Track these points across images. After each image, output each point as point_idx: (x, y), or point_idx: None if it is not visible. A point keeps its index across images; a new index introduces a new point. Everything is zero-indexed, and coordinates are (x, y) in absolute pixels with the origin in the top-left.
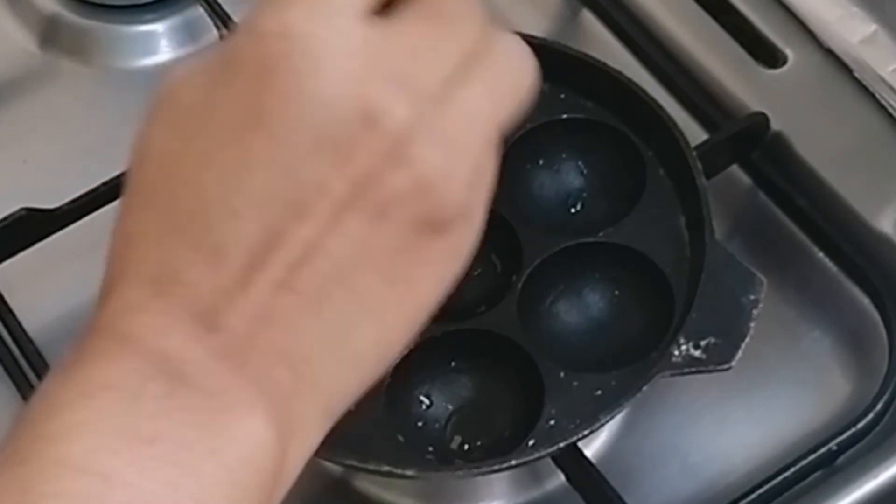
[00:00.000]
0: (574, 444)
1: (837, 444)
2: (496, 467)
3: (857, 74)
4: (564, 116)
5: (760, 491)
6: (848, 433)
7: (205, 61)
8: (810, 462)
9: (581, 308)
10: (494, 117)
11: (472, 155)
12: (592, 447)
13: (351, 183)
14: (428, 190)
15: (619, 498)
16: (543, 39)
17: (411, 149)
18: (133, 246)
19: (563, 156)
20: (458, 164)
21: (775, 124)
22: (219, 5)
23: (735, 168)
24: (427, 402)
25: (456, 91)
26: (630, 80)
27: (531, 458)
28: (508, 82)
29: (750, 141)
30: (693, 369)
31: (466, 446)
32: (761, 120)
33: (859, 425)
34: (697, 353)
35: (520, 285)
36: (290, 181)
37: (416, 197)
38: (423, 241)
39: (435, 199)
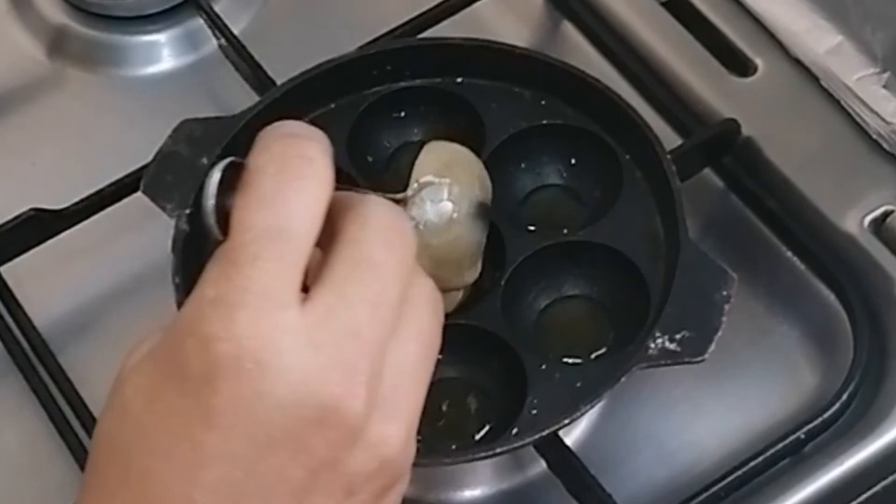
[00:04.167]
0: (555, 433)
1: (805, 433)
2: (482, 455)
3: (823, 83)
4: (545, 122)
5: (732, 477)
6: (815, 422)
7: (154, 353)
8: (779, 450)
9: (562, 303)
10: (429, 368)
11: (417, 409)
12: (573, 436)
13: (309, 470)
14: (390, 461)
15: (598, 484)
16: (526, 49)
17: (368, 431)
18: None
19: (545, 159)
20: (408, 424)
21: (746, 130)
22: (217, 16)
23: (708, 171)
24: None
25: (395, 355)
26: (608, 88)
27: (515, 446)
28: (433, 329)
29: (722, 146)
30: (668, 361)
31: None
32: (733, 126)
33: (826, 415)
34: (672, 346)
35: (503, 282)
36: (248, 474)
37: (380, 472)
38: (382, 500)
39: (397, 467)
